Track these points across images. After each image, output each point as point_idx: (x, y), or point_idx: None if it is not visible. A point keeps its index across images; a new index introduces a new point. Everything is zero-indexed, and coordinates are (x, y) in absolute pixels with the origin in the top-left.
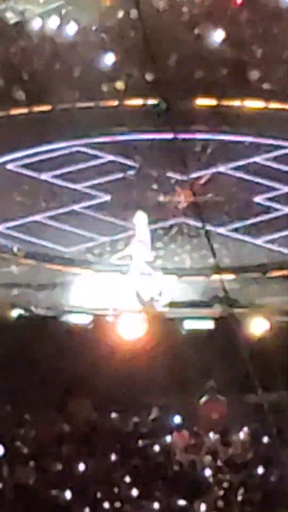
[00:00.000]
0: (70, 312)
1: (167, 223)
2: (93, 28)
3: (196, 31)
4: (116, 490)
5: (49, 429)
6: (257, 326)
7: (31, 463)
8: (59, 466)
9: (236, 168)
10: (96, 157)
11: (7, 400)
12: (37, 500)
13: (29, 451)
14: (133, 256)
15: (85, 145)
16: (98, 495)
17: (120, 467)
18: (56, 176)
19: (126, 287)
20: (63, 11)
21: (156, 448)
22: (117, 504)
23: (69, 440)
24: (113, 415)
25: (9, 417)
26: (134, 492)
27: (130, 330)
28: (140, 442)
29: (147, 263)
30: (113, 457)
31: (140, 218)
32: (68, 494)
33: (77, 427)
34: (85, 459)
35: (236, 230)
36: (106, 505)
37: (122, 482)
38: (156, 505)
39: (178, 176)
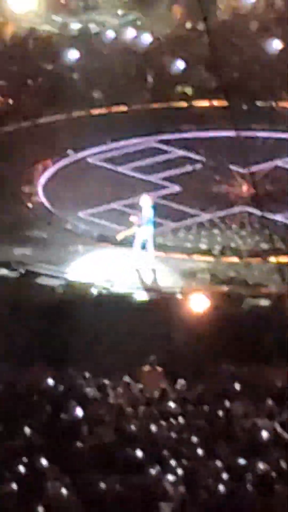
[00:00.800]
0: (142, 290)
1: (230, 211)
2: (165, 37)
3: (257, 40)
4: (183, 449)
5: (125, 394)
6: None
7: (109, 424)
8: (134, 427)
9: None
10: (167, 152)
11: (87, 367)
12: (114, 458)
13: (107, 414)
14: (137, 235)
15: (158, 141)
16: (167, 453)
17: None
18: (132, 169)
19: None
20: (139, 23)
21: (220, 412)
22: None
23: (142, 403)
24: (181, 382)
25: (89, 382)
26: (199, 451)
27: (196, 306)
28: (206, 407)
29: (149, 240)
30: (181, 420)
31: (145, 200)
32: (140, 453)
33: (150, 392)
34: (156, 422)
35: None
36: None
37: (189, 442)
38: (219, 463)
39: (240, 169)
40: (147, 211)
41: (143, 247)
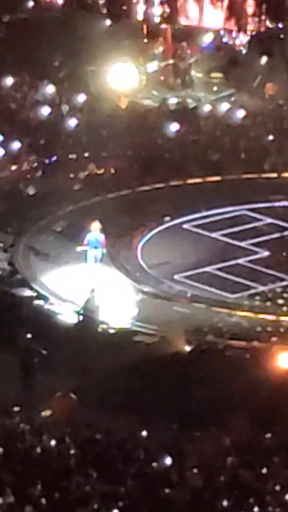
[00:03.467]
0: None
1: None
2: (258, 112)
3: None
4: (268, 498)
5: (214, 443)
6: None
7: (198, 472)
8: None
9: None
10: (257, 219)
11: (177, 418)
12: (204, 505)
13: (195, 463)
14: (89, 254)
15: (249, 210)
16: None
17: (274, 477)
18: (224, 235)
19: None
20: (233, 98)
21: None
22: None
23: (231, 453)
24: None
25: (179, 434)
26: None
27: (282, 359)
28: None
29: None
30: (264, 470)
31: (95, 225)
32: (230, 503)
33: (239, 442)
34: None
35: None
36: None
37: (274, 491)
38: None
39: None
40: (97, 234)
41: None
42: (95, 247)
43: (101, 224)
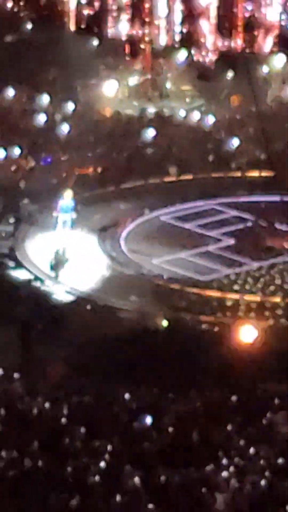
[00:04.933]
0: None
1: (272, 261)
2: (225, 120)
3: None
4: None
5: (187, 405)
6: None
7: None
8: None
9: None
10: (224, 212)
11: (156, 383)
12: (179, 457)
13: (172, 421)
14: (59, 218)
15: (217, 204)
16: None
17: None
18: (196, 226)
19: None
20: (203, 108)
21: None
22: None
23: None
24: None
25: (158, 397)
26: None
27: (245, 331)
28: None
29: (68, 223)
30: (230, 427)
31: (67, 193)
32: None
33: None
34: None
35: None
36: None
37: (239, 445)
38: None
39: (283, 227)
40: (68, 201)
41: (63, 227)
42: (66, 212)
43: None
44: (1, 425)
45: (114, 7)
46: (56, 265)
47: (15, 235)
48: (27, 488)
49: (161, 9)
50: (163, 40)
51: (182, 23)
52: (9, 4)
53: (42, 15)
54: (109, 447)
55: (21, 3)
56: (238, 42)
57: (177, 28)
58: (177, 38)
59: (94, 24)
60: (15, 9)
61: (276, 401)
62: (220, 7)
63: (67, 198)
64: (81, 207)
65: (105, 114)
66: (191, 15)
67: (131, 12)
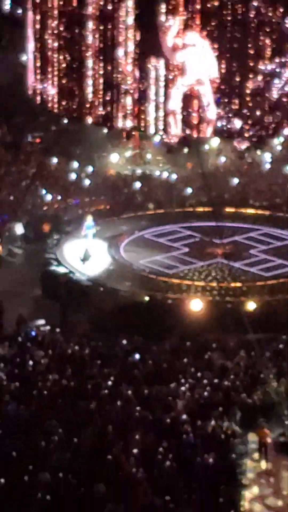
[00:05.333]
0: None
1: (211, 261)
2: (184, 177)
3: (226, 178)
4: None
5: (160, 348)
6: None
7: (152, 364)
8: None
9: (247, 238)
10: (182, 232)
11: (140, 334)
12: (157, 381)
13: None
14: (85, 233)
15: (178, 227)
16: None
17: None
18: (166, 240)
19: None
20: (170, 170)
21: None
22: None
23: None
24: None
25: (142, 343)
26: None
27: (196, 304)
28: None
29: (89, 236)
30: (185, 359)
31: (89, 220)
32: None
33: (174, 347)
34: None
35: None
36: None
37: (190, 371)
38: None
39: (217, 241)
40: (90, 222)
41: (87, 238)
42: (88, 229)
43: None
44: (48, 360)
45: (117, 111)
46: (83, 261)
47: (58, 245)
48: (63, 397)
49: (150, 112)
50: (146, 129)
51: (157, 119)
52: (51, 107)
53: (73, 114)
54: (113, 372)
55: (61, 108)
56: (192, 131)
57: (155, 121)
58: (154, 128)
59: (105, 120)
60: (56, 110)
61: (214, 345)
62: (183, 110)
63: (89, 221)
64: (97, 228)
65: (111, 174)
66: (166, 115)
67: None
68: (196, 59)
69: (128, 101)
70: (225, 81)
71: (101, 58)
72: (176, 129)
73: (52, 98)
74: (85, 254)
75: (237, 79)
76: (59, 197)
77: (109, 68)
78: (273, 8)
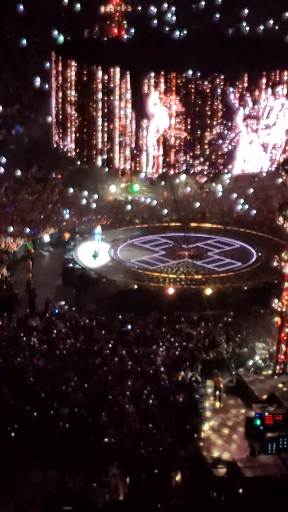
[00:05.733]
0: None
1: (180, 260)
2: (161, 202)
3: (191, 203)
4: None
5: (144, 320)
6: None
7: (139, 328)
8: (149, 331)
9: (205, 244)
10: (160, 240)
11: (130, 311)
12: (146, 340)
13: (138, 326)
14: (96, 243)
15: (158, 236)
16: None
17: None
18: (149, 246)
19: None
20: (152, 197)
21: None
22: None
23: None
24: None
25: (130, 316)
26: None
27: (169, 291)
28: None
29: (98, 240)
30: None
31: (98, 228)
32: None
33: (153, 319)
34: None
35: (208, 263)
36: None
37: (166, 337)
38: None
39: (185, 246)
40: (99, 231)
41: (96, 242)
42: (97, 235)
43: (100, 227)
44: (67, 329)
45: (113, 154)
46: (94, 257)
47: (74, 249)
48: (78, 356)
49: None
50: (135, 168)
51: (143, 161)
52: (69, 154)
53: (84, 158)
54: (112, 338)
55: (74, 154)
56: (168, 170)
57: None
58: (142, 167)
59: (107, 162)
60: (71, 156)
61: (182, 318)
62: (162, 155)
63: (98, 229)
64: (103, 236)
65: (110, 199)
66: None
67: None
68: (163, 118)
69: (126, 150)
70: (191, 134)
71: (105, 119)
72: (156, 169)
73: (69, 148)
74: (95, 252)
75: (199, 133)
76: (73, 216)
77: (111, 126)
78: (224, 83)
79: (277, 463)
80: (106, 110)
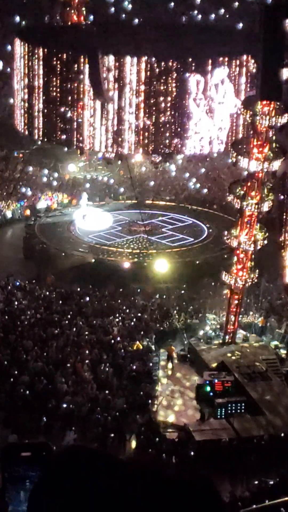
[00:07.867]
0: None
1: (136, 236)
2: (118, 179)
3: (147, 180)
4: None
5: (131, 300)
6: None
7: (126, 308)
8: (136, 319)
9: (159, 220)
10: (117, 216)
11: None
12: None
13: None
14: (83, 211)
15: (114, 213)
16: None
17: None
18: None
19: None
20: (108, 175)
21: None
22: None
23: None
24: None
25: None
26: None
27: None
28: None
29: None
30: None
31: (84, 197)
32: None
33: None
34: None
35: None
36: None
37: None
38: None
39: (140, 222)
40: (85, 197)
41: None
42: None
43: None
44: (27, 301)
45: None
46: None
47: (35, 224)
48: (38, 326)
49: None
50: (94, 147)
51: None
52: (29, 134)
53: (44, 138)
54: (71, 309)
55: (34, 134)
56: (123, 149)
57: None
58: (99, 146)
59: (67, 142)
60: (32, 136)
61: (138, 290)
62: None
63: (84, 196)
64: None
65: (69, 178)
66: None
67: None
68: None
69: (84, 131)
70: (147, 117)
71: (66, 101)
72: (114, 148)
73: (31, 128)
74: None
75: (154, 114)
76: (35, 193)
77: (71, 108)
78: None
79: (226, 427)
80: (66, 93)
